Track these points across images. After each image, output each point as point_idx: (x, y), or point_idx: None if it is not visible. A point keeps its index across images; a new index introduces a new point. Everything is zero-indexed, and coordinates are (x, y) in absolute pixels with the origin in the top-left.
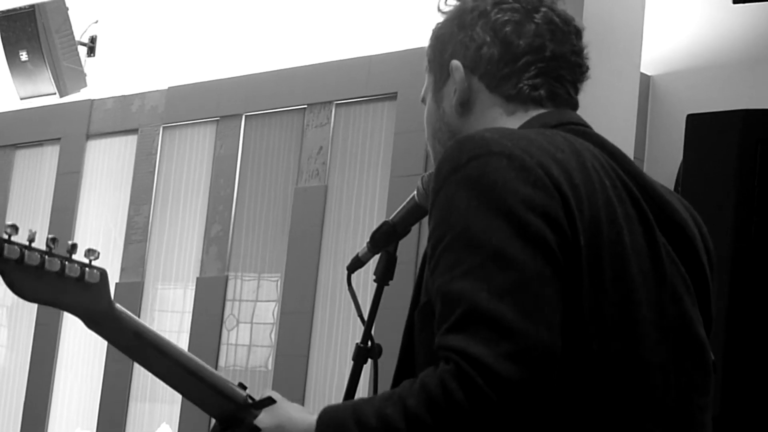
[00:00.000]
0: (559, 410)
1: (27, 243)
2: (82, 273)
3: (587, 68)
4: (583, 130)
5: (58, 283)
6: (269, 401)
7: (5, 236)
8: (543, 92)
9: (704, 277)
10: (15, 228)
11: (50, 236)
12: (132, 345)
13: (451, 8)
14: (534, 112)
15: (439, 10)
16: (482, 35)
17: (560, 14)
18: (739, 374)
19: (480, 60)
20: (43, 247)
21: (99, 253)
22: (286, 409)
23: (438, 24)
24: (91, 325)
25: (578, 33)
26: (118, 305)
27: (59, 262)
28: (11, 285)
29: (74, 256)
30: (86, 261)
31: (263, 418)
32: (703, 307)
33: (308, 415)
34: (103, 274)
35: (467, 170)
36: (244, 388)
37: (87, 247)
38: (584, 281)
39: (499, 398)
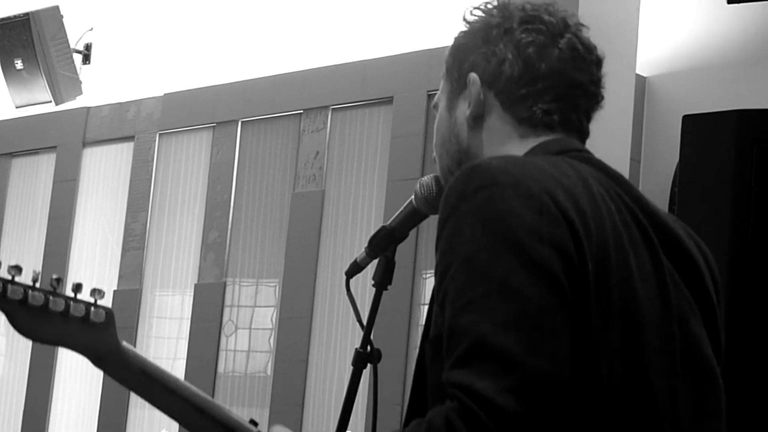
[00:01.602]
0: None
1: (31, 283)
2: (87, 312)
3: (602, 98)
4: (586, 157)
5: (62, 323)
6: None
7: (9, 276)
8: (556, 117)
9: (710, 301)
10: (18, 269)
11: (54, 276)
12: (140, 383)
13: (476, 19)
14: (543, 137)
15: (464, 19)
16: (505, 52)
17: (584, 42)
18: (737, 376)
19: (499, 77)
20: (48, 287)
21: (104, 293)
22: None
23: (461, 33)
24: (98, 363)
25: (599, 62)
26: (124, 343)
27: (63, 301)
28: (15, 326)
29: (79, 296)
30: (91, 300)
31: None
32: (710, 331)
33: None
34: (109, 313)
35: (474, 200)
36: (255, 424)
37: (93, 287)
38: (592, 307)
39: (499, 431)
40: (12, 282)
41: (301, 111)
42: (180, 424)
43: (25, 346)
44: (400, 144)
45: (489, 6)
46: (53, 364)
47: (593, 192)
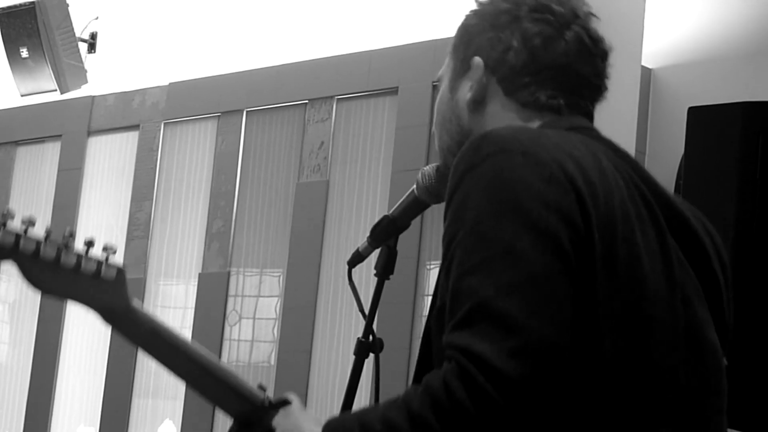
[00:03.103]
0: (568, 409)
1: (43, 237)
2: (99, 269)
3: (606, 89)
4: (596, 135)
5: (73, 278)
6: (285, 403)
7: (22, 229)
8: (562, 101)
9: (716, 283)
10: (32, 222)
11: (67, 231)
12: (149, 343)
13: (487, 1)
14: (548, 118)
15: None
16: (510, 40)
17: (592, 34)
18: (742, 367)
19: (503, 63)
20: (60, 242)
21: (116, 250)
22: (296, 417)
23: (470, 14)
24: (108, 320)
25: (605, 55)
26: (135, 302)
27: (75, 257)
28: (28, 278)
29: (91, 252)
30: (103, 257)
31: (278, 420)
32: (715, 314)
33: (316, 426)
34: (120, 270)
35: (483, 168)
36: (264, 389)
37: (104, 245)
38: (598, 277)
39: (501, 396)
40: (24, 235)
41: (306, 101)
42: (187, 384)
43: (29, 334)
44: (404, 134)
45: None
46: (57, 353)
47: (603, 166)
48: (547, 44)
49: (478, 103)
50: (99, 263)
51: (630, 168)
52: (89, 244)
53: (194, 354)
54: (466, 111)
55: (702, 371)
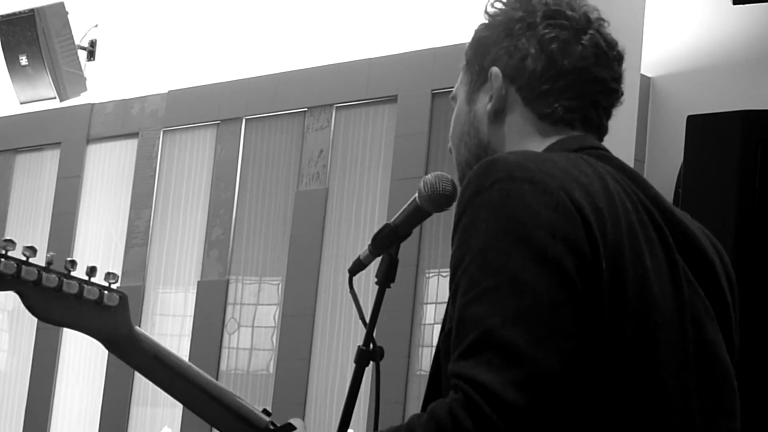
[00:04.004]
0: None
1: (45, 265)
2: (101, 296)
3: (622, 93)
4: (604, 155)
5: (76, 306)
6: (290, 427)
7: (23, 258)
8: (577, 115)
9: (725, 302)
10: (33, 250)
11: (69, 259)
12: (152, 368)
13: (497, 12)
14: (563, 134)
15: (485, 12)
16: (528, 47)
17: (606, 38)
18: (743, 374)
19: (522, 71)
20: (62, 270)
21: (119, 277)
22: None
23: (482, 25)
24: (111, 347)
25: (620, 59)
26: (137, 328)
27: (77, 284)
28: (29, 306)
29: (93, 279)
30: (105, 284)
31: None
32: (725, 333)
33: None
34: (123, 297)
35: (490, 194)
36: (269, 414)
37: (107, 271)
38: (605, 304)
39: (507, 426)
40: (26, 263)
41: (306, 109)
42: (191, 410)
43: (28, 342)
44: (403, 142)
45: (510, 0)
46: (56, 361)
47: (610, 190)
48: (565, 49)
49: (498, 113)
50: (101, 290)
51: (638, 188)
52: (91, 270)
53: (197, 379)
54: (486, 123)
55: (714, 391)
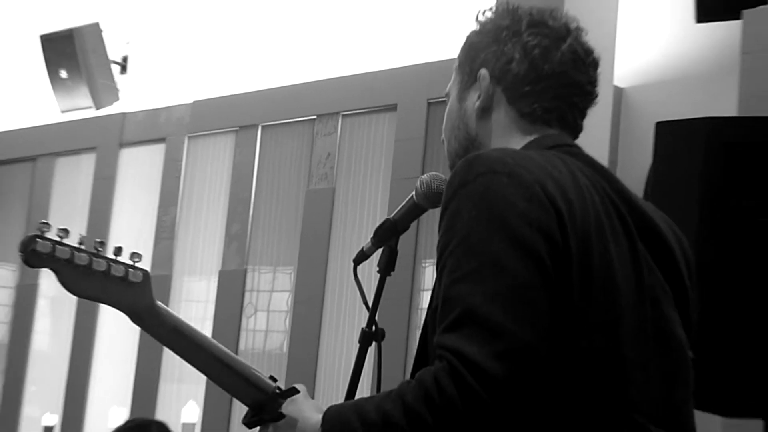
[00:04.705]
0: (549, 401)
1: (77, 245)
2: (126, 273)
3: (597, 95)
4: (576, 152)
5: (104, 282)
6: (293, 391)
7: (57, 238)
8: (554, 115)
9: (682, 284)
10: (66, 231)
11: (98, 240)
12: (171, 339)
13: (487, 20)
14: (541, 132)
15: (476, 19)
16: (513, 52)
17: (583, 46)
18: (705, 357)
19: (507, 74)
20: (92, 249)
21: (142, 256)
22: (301, 404)
23: (473, 32)
24: (135, 319)
25: (595, 64)
26: (159, 303)
27: (105, 262)
28: (62, 282)
29: (120, 258)
30: (130, 262)
31: (287, 407)
32: (681, 312)
33: (317, 413)
34: (146, 274)
35: (474, 185)
36: (275, 380)
37: (132, 251)
38: (574, 286)
39: (487, 393)
40: (60, 243)
41: (315, 117)
42: (207, 376)
43: (67, 325)
44: (402, 146)
45: (500, 9)
46: (92, 342)
47: (580, 184)
48: (546, 55)
49: (485, 110)
50: (126, 267)
51: (606, 183)
52: (118, 250)
53: (213, 349)
54: (474, 118)
55: (670, 364)
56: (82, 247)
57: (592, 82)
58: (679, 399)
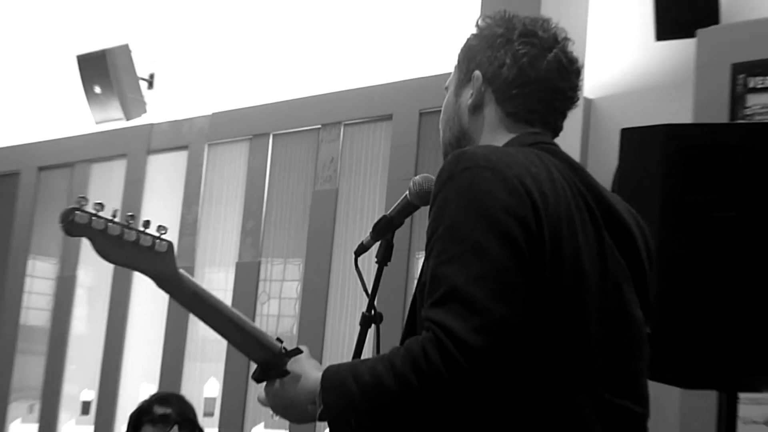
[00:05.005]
0: (522, 373)
1: (111, 217)
2: (153, 243)
3: (578, 99)
4: (552, 149)
5: (133, 250)
6: (297, 351)
7: (94, 211)
8: (537, 116)
9: (642, 269)
10: (101, 205)
11: (129, 213)
12: (191, 302)
13: (485, 27)
14: (523, 130)
15: (476, 25)
16: (504, 58)
17: (569, 55)
18: (662, 335)
19: (498, 77)
20: (124, 222)
21: (168, 229)
22: (304, 363)
23: (471, 36)
24: (159, 284)
25: (578, 72)
26: (181, 270)
27: (135, 233)
28: (97, 249)
29: (148, 230)
30: (157, 234)
31: (291, 365)
32: (641, 294)
33: (318, 371)
34: (170, 245)
35: (461, 178)
36: (281, 341)
37: (158, 224)
38: (546, 270)
39: (467, 362)
40: (96, 215)
41: (320, 126)
42: (221, 335)
43: (102, 311)
44: (397, 152)
45: (497, 17)
46: (124, 326)
47: (554, 179)
48: (533, 63)
49: (476, 107)
50: (154, 238)
51: (578, 178)
52: (146, 223)
53: (228, 312)
54: (467, 113)
55: (628, 340)
56: (116, 219)
57: (574, 88)
58: (636, 370)
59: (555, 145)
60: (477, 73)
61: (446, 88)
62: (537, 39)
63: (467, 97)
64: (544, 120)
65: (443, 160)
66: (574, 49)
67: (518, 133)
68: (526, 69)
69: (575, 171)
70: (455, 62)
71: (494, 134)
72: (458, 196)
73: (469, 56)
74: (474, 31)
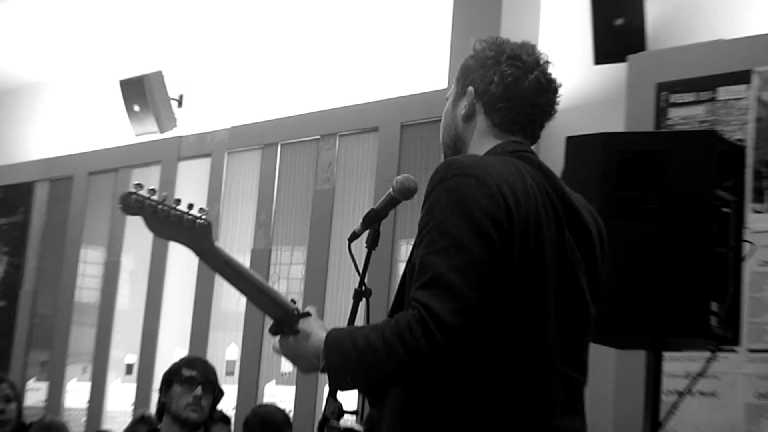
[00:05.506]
0: (492, 349)
1: (161, 200)
2: (194, 222)
3: (554, 113)
4: (529, 157)
5: (178, 227)
6: (307, 313)
7: (147, 195)
8: (518, 126)
9: (594, 259)
10: (153, 191)
11: (176, 198)
12: (223, 270)
13: (480, 50)
14: (507, 138)
15: (473, 47)
16: (493, 77)
17: (547, 76)
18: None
19: (487, 93)
20: (171, 204)
21: (208, 210)
22: (313, 324)
23: (468, 57)
24: (199, 255)
25: (555, 90)
26: (217, 244)
27: (180, 214)
28: (148, 227)
29: (191, 211)
30: (198, 214)
31: (302, 324)
32: (592, 281)
33: (323, 331)
34: (209, 223)
35: (450, 182)
36: (294, 302)
37: (199, 207)
38: (515, 263)
39: (444, 338)
40: (149, 199)
41: (319, 136)
42: (246, 297)
43: (141, 290)
44: (383, 158)
45: (489, 42)
46: (160, 302)
47: (527, 185)
48: (516, 82)
49: (469, 117)
50: (195, 218)
51: (547, 182)
52: (190, 206)
53: (252, 278)
54: (461, 121)
55: (578, 321)
56: (165, 201)
57: (551, 104)
58: (581, 345)
59: (532, 152)
60: (470, 88)
61: (446, 99)
62: (521, 62)
63: (462, 108)
64: (523, 130)
65: (442, 157)
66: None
67: (503, 140)
68: (510, 87)
69: (546, 176)
70: (455, 78)
71: (482, 140)
72: (447, 198)
73: (465, 74)
74: (471, 52)
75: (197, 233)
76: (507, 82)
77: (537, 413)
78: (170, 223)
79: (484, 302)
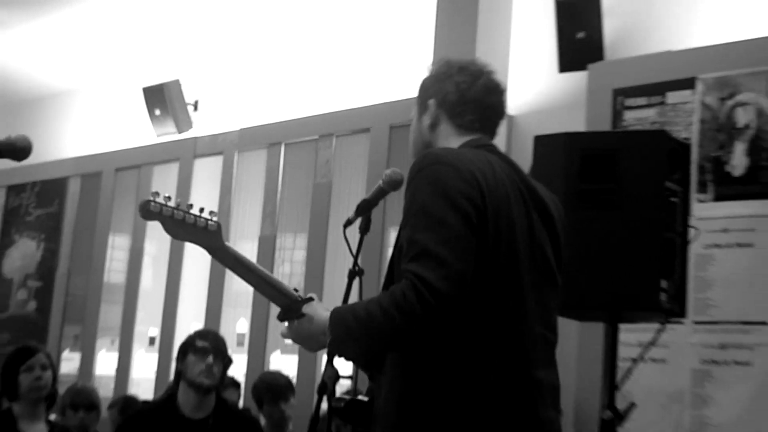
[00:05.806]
0: (474, 312)
1: (176, 205)
2: (206, 224)
3: (505, 111)
4: (494, 150)
5: (192, 229)
6: (310, 299)
7: (164, 201)
8: (478, 125)
9: (558, 237)
10: (169, 197)
11: (189, 203)
12: (233, 266)
13: (433, 69)
14: (470, 136)
15: (428, 68)
16: (448, 87)
17: (493, 81)
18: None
19: (446, 101)
20: (185, 209)
21: (217, 213)
22: (316, 307)
23: (425, 77)
24: (210, 253)
25: (501, 92)
26: (227, 243)
27: (194, 217)
28: (166, 229)
29: (203, 215)
30: (209, 217)
31: (306, 308)
32: (556, 254)
33: (326, 312)
34: (219, 225)
35: (428, 171)
36: (297, 291)
37: (209, 210)
38: (489, 238)
39: (435, 302)
40: (165, 205)
41: (317, 137)
42: (254, 288)
43: (162, 272)
44: (374, 155)
45: (441, 62)
46: (179, 282)
47: (496, 172)
48: (469, 88)
49: (434, 125)
50: (206, 221)
51: (513, 171)
52: (201, 210)
53: (259, 271)
54: (428, 131)
55: (548, 286)
56: (180, 207)
57: (501, 103)
58: (551, 307)
59: (495, 146)
60: (431, 101)
61: (411, 118)
62: (469, 72)
63: (426, 121)
64: (483, 127)
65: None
66: (499, 76)
67: (468, 138)
68: (465, 92)
69: (511, 166)
70: (417, 97)
71: (449, 141)
72: (427, 184)
73: (424, 92)
74: (426, 73)
75: (209, 234)
76: (462, 89)
77: (520, 367)
78: (185, 226)
79: (467, 269)
